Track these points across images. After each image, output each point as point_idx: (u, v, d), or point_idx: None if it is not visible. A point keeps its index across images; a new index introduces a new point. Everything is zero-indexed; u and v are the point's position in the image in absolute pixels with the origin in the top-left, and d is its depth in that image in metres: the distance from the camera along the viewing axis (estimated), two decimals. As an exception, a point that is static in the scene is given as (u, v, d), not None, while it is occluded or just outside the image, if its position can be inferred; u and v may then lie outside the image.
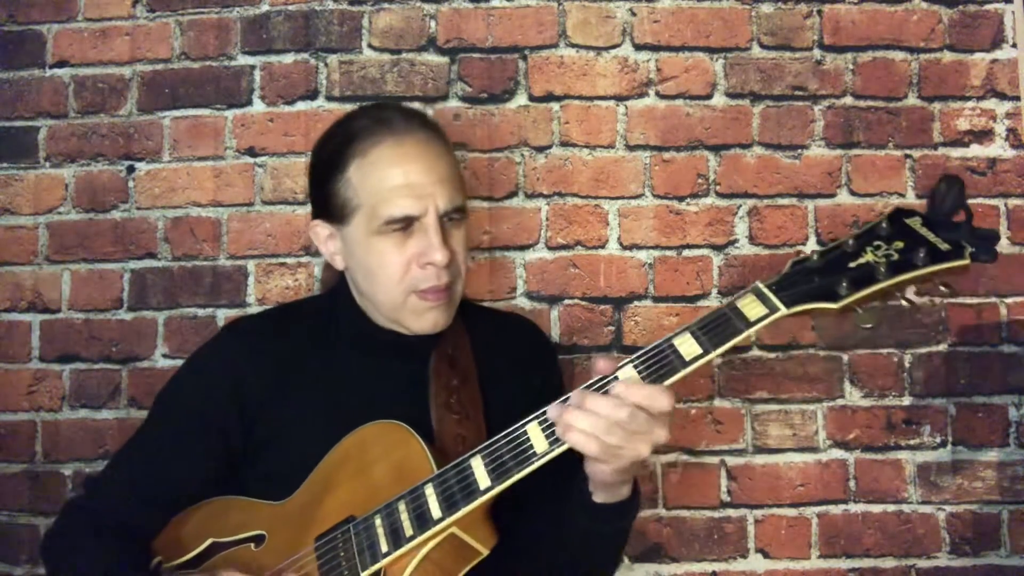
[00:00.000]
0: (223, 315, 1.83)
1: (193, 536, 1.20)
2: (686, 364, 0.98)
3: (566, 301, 1.82)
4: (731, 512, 1.79)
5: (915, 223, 0.97)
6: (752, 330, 0.97)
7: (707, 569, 1.78)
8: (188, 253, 1.85)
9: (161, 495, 1.23)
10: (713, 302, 1.82)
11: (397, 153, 1.17)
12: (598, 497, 1.09)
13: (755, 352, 1.81)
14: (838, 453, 1.80)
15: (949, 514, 1.79)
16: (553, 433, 1.01)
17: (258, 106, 1.86)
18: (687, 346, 0.99)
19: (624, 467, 1.00)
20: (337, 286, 1.32)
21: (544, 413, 1.03)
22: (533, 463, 1.01)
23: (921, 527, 1.79)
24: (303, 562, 1.11)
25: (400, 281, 1.17)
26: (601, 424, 0.95)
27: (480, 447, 1.06)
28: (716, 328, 0.99)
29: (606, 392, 0.98)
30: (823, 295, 0.95)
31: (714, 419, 1.81)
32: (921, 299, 0.96)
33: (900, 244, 0.95)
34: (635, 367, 1.01)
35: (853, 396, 1.81)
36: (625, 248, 1.83)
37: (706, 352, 0.98)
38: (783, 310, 0.96)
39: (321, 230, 1.25)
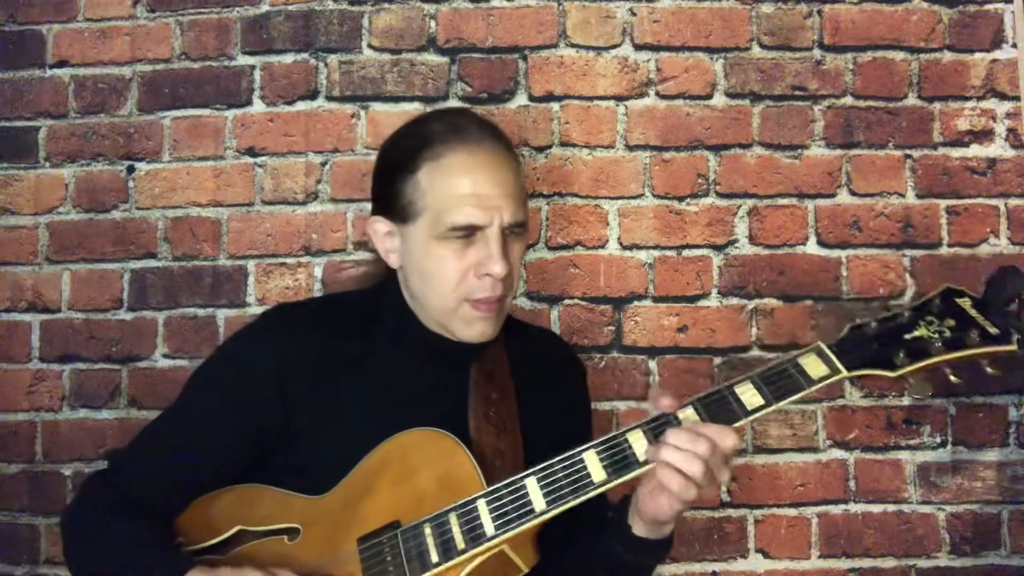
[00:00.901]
0: (223, 315, 1.84)
1: (221, 520, 1.19)
2: (748, 414, 1.03)
3: (566, 301, 1.82)
4: (731, 512, 1.79)
5: (965, 304, 1.05)
6: (813, 388, 1.02)
7: (707, 569, 1.78)
8: (188, 253, 1.85)
9: (188, 475, 1.21)
10: (713, 302, 1.82)
11: (469, 161, 1.17)
12: (638, 531, 1.10)
13: (755, 352, 1.81)
14: (838, 453, 1.80)
15: (949, 514, 1.79)
16: (612, 463, 1.04)
17: (258, 106, 1.86)
18: (749, 396, 1.04)
19: (687, 506, 1.03)
20: (385, 283, 1.31)
21: (602, 443, 1.05)
22: (589, 492, 1.04)
23: (921, 527, 1.79)
24: (345, 561, 1.11)
25: (455, 288, 1.17)
26: (696, 465, 0.99)
27: (535, 469, 1.07)
28: (779, 381, 1.03)
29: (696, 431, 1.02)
30: (882, 363, 1.02)
31: (714, 419, 1.81)
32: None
33: (951, 322, 1.03)
34: (695, 409, 1.05)
35: (853, 396, 1.81)
36: (625, 248, 1.83)
37: (768, 404, 1.03)
38: (844, 372, 1.02)
39: (380, 226, 1.24)
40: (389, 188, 1.21)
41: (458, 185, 1.15)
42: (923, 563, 1.78)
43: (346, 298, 1.40)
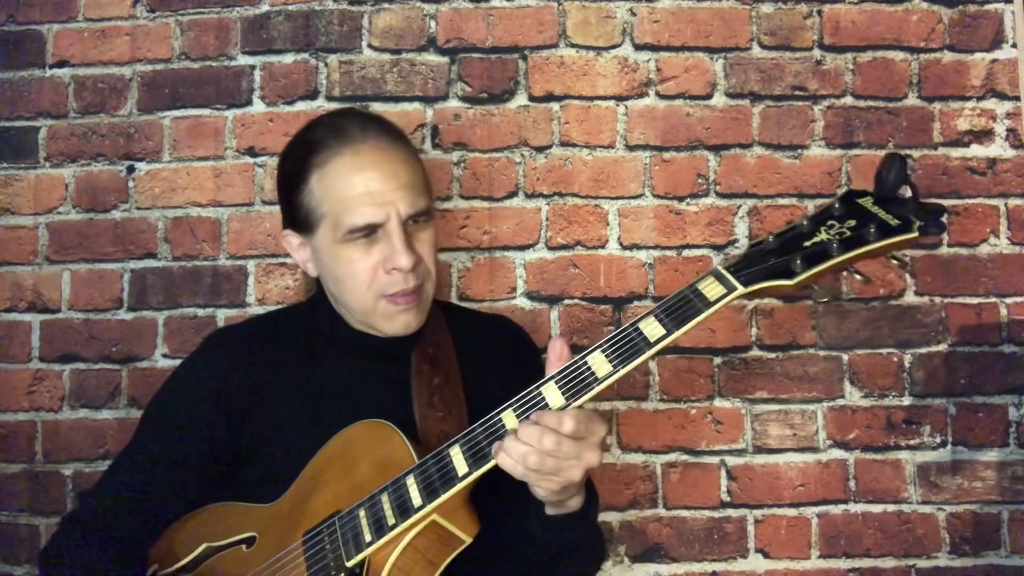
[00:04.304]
0: (223, 315, 1.84)
1: (188, 542, 1.23)
2: (651, 345, 1.01)
3: (566, 301, 1.82)
4: (731, 512, 1.79)
5: (867, 202, 1.01)
6: (712, 310, 1.00)
7: (707, 569, 1.78)
8: (188, 253, 1.85)
9: (154, 505, 1.25)
10: (713, 302, 1.82)
11: (355, 162, 1.18)
12: (548, 509, 1.11)
13: (755, 352, 1.81)
14: (838, 453, 1.80)
15: (949, 514, 1.79)
16: (528, 417, 1.03)
17: (258, 106, 1.86)
18: (651, 328, 1.02)
19: (556, 490, 1.03)
20: (317, 292, 1.35)
21: (518, 400, 1.05)
22: None
23: (921, 527, 1.79)
24: (291, 557, 1.14)
25: (369, 287, 1.19)
26: (532, 456, 0.99)
27: (458, 436, 1.08)
28: (678, 310, 1.02)
29: (537, 419, 1.01)
30: (779, 273, 0.99)
31: (714, 419, 1.81)
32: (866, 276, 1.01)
33: (852, 222, 0.98)
34: (603, 351, 1.03)
35: (853, 396, 1.81)
36: (625, 248, 1.83)
37: (669, 333, 1.01)
38: (740, 289, 0.99)
39: (292, 239, 1.27)
40: (288, 201, 1.24)
41: (349, 186, 1.17)
42: (923, 563, 1.78)
43: (283, 313, 1.44)
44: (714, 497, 1.79)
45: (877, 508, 1.79)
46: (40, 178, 1.88)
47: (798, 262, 0.97)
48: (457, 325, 1.34)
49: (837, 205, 1.01)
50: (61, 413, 1.84)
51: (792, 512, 1.79)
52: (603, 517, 1.75)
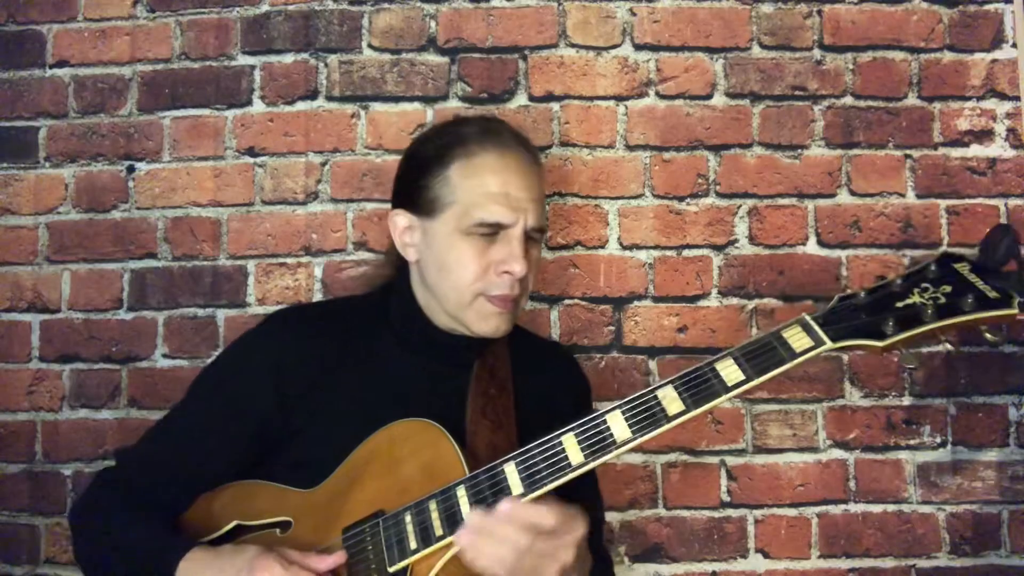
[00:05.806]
0: (223, 315, 1.84)
1: (218, 517, 1.22)
2: (728, 389, 0.99)
3: (566, 301, 1.82)
4: (731, 512, 1.79)
5: (963, 268, 0.98)
6: (797, 362, 0.97)
7: (707, 569, 1.78)
8: (188, 253, 1.85)
9: (192, 472, 1.24)
10: (713, 302, 1.82)
11: (501, 163, 1.21)
12: None
13: (755, 352, 1.81)
14: (838, 453, 1.80)
15: (949, 514, 1.79)
16: (590, 445, 1.02)
17: (258, 106, 1.86)
18: (729, 371, 1.00)
19: None
20: (392, 284, 1.34)
21: (580, 425, 1.04)
22: (567, 474, 1.03)
23: (921, 527, 1.79)
24: (330, 551, 1.12)
25: (473, 282, 1.20)
26: (510, 555, 0.98)
27: (514, 454, 1.07)
28: (760, 356, 0.99)
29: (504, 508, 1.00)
30: (869, 333, 0.96)
31: (714, 419, 1.81)
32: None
33: (947, 288, 0.96)
34: (675, 387, 1.02)
35: (853, 396, 1.81)
36: (625, 248, 1.83)
37: (748, 379, 0.99)
38: (829, 344, 0.97)
39: (400, 219, 1.27)
40: (416, 182, 1.25)
41: (489, 183, 1.19)
42: (923, 563, 1.78)
43: (351, 300, 1.44)
44: (714, 497, 1.79)
45: (877, 508, 1.79)
46: (40, 178, 1.88)
47: (890, 323, 0.95)
48: (516, 345, 1.35)
49: (933, 267, 0.99)
50: (61, 413, 1.84)
51: (792, 512, 1.79)
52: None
